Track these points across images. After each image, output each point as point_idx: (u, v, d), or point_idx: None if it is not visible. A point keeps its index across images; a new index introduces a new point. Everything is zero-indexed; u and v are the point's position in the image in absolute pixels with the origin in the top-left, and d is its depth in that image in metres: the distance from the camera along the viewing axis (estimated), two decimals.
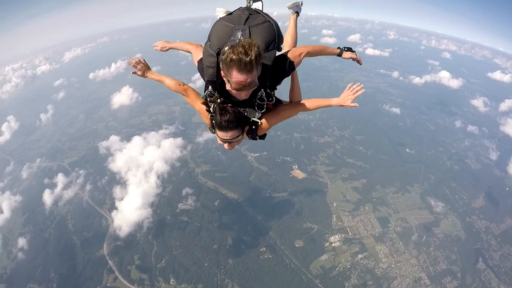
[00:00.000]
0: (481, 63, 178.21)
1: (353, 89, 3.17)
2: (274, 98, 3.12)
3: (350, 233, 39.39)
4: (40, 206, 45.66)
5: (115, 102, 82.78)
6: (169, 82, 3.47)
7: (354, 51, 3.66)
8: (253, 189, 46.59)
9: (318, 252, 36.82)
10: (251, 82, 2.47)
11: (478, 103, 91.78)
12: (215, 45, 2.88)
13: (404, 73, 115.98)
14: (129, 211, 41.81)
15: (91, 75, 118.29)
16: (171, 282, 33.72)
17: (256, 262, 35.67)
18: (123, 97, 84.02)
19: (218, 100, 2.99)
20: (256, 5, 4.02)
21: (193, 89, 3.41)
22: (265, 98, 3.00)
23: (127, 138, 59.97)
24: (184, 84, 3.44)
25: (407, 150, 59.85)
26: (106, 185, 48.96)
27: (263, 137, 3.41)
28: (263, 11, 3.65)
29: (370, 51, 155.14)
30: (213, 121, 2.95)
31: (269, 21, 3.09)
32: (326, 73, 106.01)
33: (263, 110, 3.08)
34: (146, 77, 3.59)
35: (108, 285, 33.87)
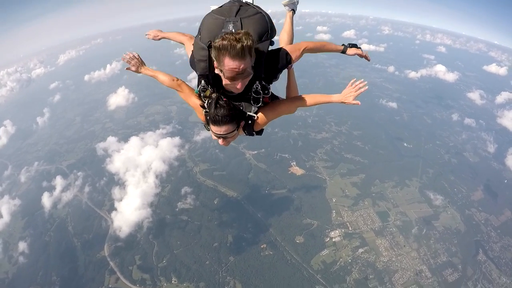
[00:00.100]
0: (477, 56, 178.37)
1: (356, 85, 3.04)
2: (270, 91, 3.04)
3: (350, 228, 39.55)
4: (40, 209, 45.46)
5: (111, 103, 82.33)
6: (163, 77, 3.44)
7: (359, 47, 3.53)
8: (252, 186, 46.65)
9: (319, 248, 36.98)
10: (244, 68, 2.38)
11: (475, 96, 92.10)
12: (205, 38, 2.79)
13: (400, 67, 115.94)
14: (129, 211, 41.74)
15: (86, 77, 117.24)
16: (173, 281, 33.75)
17: (257, 259, 35.79)
18: (119, 98, 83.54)
19: (213, 95, 2.86)
20: None
21: (187, 84, 3.36)
22: (261, 91, 2.92)
23: (124, 139, 59.77)
24: (178, 80, 3.40)
25: (405, 144, 60.05)
26: (105, 186, 48.82)
27: (260, 132, 3.32)
28: (254, 3, 3.56)
29: (365, 47, 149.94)
30: (207, 116, 2.82)
31: (261, 12, 3.00)
32: (322, 69, 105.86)
33: (259, 104, 3.01)
34: (140, 72, 3.56)
35: (110, 286, 33.86)
